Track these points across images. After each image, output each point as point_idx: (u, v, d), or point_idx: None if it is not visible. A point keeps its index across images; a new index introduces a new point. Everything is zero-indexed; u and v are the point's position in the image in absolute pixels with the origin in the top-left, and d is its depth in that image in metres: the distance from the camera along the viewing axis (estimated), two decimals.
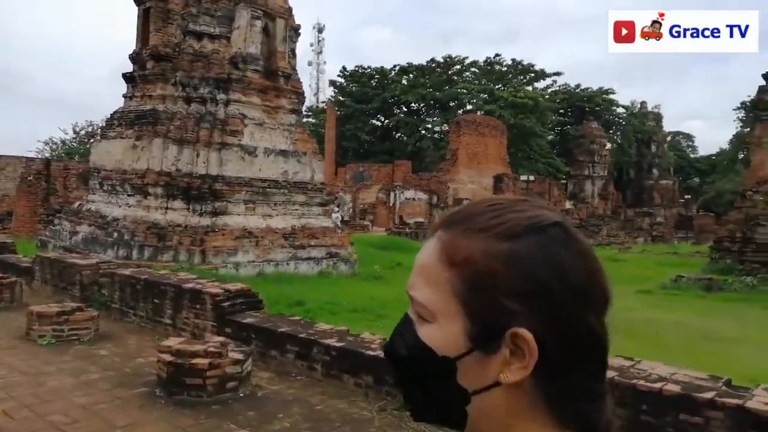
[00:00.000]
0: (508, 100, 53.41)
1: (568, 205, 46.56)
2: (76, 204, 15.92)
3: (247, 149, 14.25)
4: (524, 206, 0.71)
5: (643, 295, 15.38)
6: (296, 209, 15.24)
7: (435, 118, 60.20)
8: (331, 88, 62.96)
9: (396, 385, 0.77)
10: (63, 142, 42.01)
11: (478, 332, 0.66)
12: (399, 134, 60.95)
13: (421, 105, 61.60)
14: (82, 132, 42.50)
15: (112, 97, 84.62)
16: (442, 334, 0.68)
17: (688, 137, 76.75)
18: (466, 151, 43.27)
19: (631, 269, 20.70)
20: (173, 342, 5.78)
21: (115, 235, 13.42)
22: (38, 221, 18.70)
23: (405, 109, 62.06)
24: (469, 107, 57.54)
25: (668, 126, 69.68)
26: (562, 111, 61.43)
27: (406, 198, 37.93)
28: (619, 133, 64.04)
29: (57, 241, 14.96)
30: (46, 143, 40.80)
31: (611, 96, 61.34)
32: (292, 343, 6.29)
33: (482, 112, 50.12)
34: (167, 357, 5.48)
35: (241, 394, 5.56)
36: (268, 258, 14.09)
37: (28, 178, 19.14)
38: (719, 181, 61.32)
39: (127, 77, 15.47)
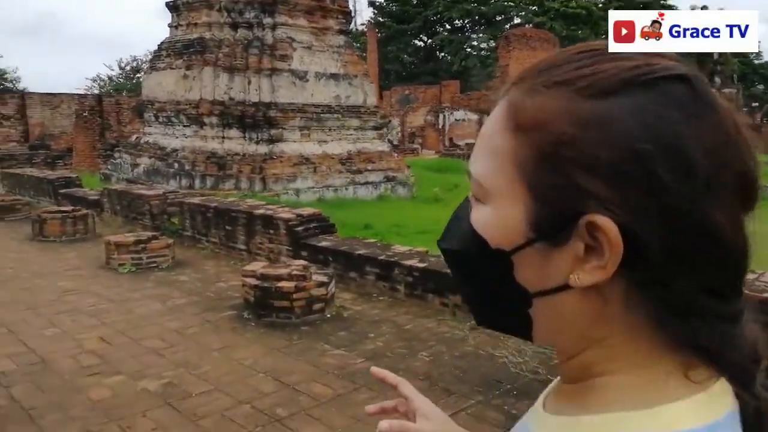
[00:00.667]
0: (559, 10, 50.69)
1: None
2: (134, 137, 16.06)
3: (297, 74, 13.89)
4: (632, 54, 0.50)
5: None
6: (351, 134, 14.96)
7: (481, 35, 57.82)
8: (370, 9, 60.85)
9: (456, 283, 0.60)
10: (110, 78, 42.35)
11: (544, 218, 0.49)
12: (443, 54, 58.99)
13: (466, 21, 59.03)
14: (128, 67, 42.69)
15: (155, 32, 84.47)
16: (498, 219, 0.52)
17: None
18: (516, 66, 41.57)
19: None
20: (256, 266, 5.76)
21: (176, 166, 13.51)
22: (97, 156, 19.06)
23: (448, 27, 59.68)
24: (517, 21, 54.93)
25: None
26: None
27: (455, 119, 37.06)
28: None
29: (119, 174, 15.21)
30: (94, 80, 41.27)
31: (669, 1, 57.42)
32: (372, 265, 6.20)
33: (531, 26, 47.76)
34: (252, 281, 5.46)
35: (328, 315, 5.54)
36: (326, 184, 14.00)
37: (84, 114, 19.37)
38: None
39: (171, 5, 15.10)
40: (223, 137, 13.58)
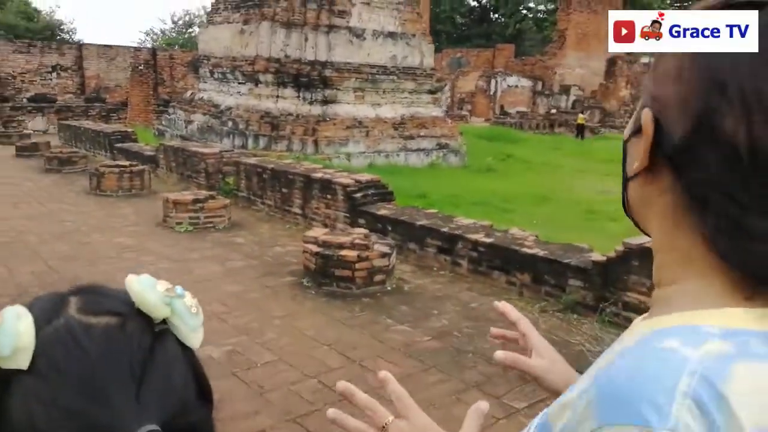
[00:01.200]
0: None
1: None
2: (188, 93, 16.06)
3: (355, 32, 13.51)
4: None
5: None
6: (405, 97, 14.58)
7: None
8: None
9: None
10: (162, 32, 42.58)
11: (636, 115, 0.59)
12: (497, 15, 57.13)
13: None
14: (180, 22, 42.76)
15: None
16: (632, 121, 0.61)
17: None
18: (575, 31, 39.94)
19: None
20: (317, 233, 5.60)
21: (230, 124, 13.45)
22: (152, 111, 19.21)
23: None
24: None
25: None
26: None
27: (508, 85, 35.98)
28: None
29: (173, 130, 15.28)
30: (147, 34, 41.58)
31: None
32: (434, 237, 5.96)
33: None
34: (314, 248, 5.30)
35: (389, 288, 5.36)
36: (378, 149, 13.74)
37: (139, 67, 19.48)
38: None
39: None
40: (278, 96, 13.41)
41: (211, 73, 14.68)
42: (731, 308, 0.52)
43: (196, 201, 7.64)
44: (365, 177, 7.38)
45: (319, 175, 7.70)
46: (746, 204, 0.50)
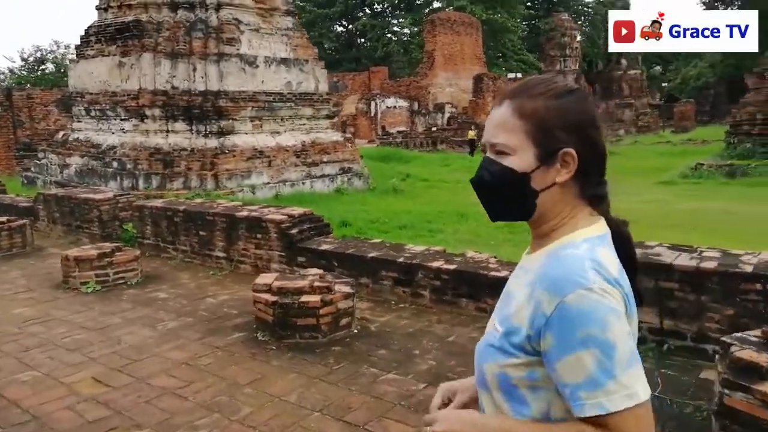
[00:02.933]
0: None
1: None
2: (60, 134, 14.47)
3: (246, 59, 12.90)
4: (558, 78, 1.18)
5: (667, 186, 15.10)
6: (304, 124, 14.15)
7: (401, 20, 57.48)
8: None
9: (483, 205, 1.19)
10: (11, 71, 38.75)
11: (543, 155, 1.10)
12: (364, 40, 58.20)
13: (386, 6, 58.52)
14: (31, 59, 39.17)
15: (47, 23, 77.73)
16: (521, 160, 1.11)
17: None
18: (442, 52, 41.55)
19: (636, 161, 20.43)
20: (268, 279, 5.01)
21: (115, 164, 12.23)
22: (14, 157, 17.15)
23: (369, 12, 58.93)
24: (436, 5, 55.03)
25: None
26: (529, 3, 59.22)
27: (387, 106, 36.56)
28: (587, 23, 62.50)
29: (46, 176, 13.66)
30: None
31: None
32: (389, 269, 5.60)
33: (452, 9, 47.91)
34: (268, 297, 4.73)
35: (355, 331, 4.90)
36: (282, 178, 13.17)
37: None
38: (683, 68, 60.95)
39: None
40: (168, 131, 12.43)
41: (87, 110, 13.33)
42: (594, 225, 1.12)
43: (102, 255, 6.69)
44: (297, 210, 6.85)
45: (244, 213, 7.06)
46: (598, 177, 1.15)
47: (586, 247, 1.05)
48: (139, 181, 11.76)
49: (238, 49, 12.79)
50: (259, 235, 6.83)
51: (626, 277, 1.06)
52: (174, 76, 12.43)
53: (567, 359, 0.96)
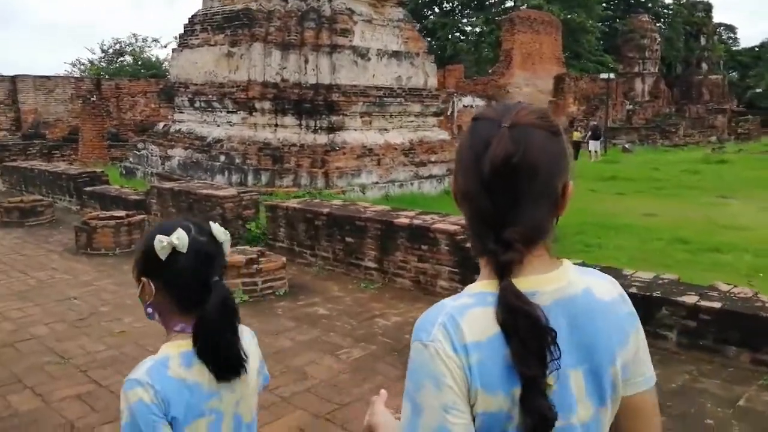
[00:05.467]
0: None
1: (629, 105, 43.88)
2: (161, 125, 14.04)
3: (359, 52, 12.09)
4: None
5: None
6: (412, 121, 13.26)
7: (472, 18, 56.15)
8: None
9: None
10: (91, 62, 39.53)
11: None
12: (434, 39, 57.15)
13: (456, 5, 57.33)
14: (110, 50, 39.87)
15: (117, 19, 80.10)
16: None
17: (730, 28, 71.41)
18: (520, 51, 40.09)
19: (754, 171, 18.67)
20: None
21: (223, 158, 11.63)
22: (108, 146, 16.95)
23: (438, 11, 57.84)
24: (509, 4, 53.49)
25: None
26: (605, 4, 56.91)
27: (464, 105, 35.41)
28: (666, 25, 59.58)
29: (146, 168, 13.24)
30: (74, 65, 38.40)
31: None
32: None
33: (526, 8, 46.35)
34: None
35: None
36: (391, 178, 12.31)
37: (91, 98, 17.17)
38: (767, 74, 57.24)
39: None
40: (277, 125, 11.75)
41: (191, 101, 12.81)
42: (484, 281, 0.96)
43: (250, 262, 5.93)
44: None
45: (404, 220, 6.17)
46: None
47: (462, 301, 0.95)
48: (249, 176, 11.11)
49: (350, 41, 12.00)
50: (424, 247, 5.92)
51: (496, 349, 0.90)
52: (284, 68, 11.74)
53: (403, 399, 0.94)
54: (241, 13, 12.01)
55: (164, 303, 1.32)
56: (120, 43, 39.94)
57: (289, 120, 11.71)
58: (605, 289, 1.03)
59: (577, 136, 25.66)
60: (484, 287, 0.94)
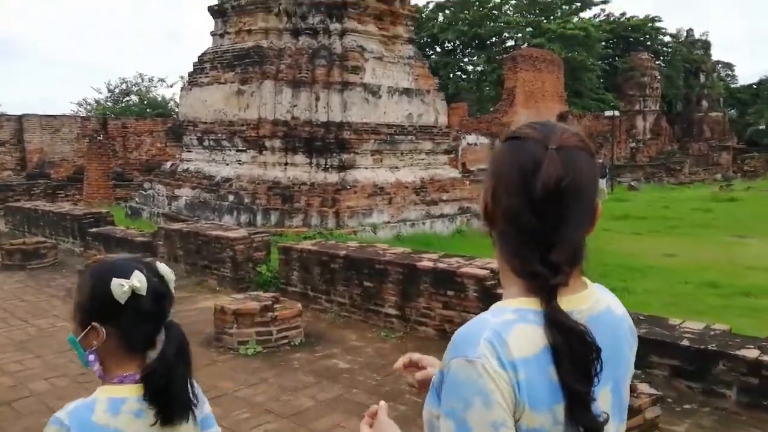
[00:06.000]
0: (556, 32, 50.05)
1: (632, 143, 43.97)
2: (168, 164, 13.84)
3: (370, 89, 11.96)
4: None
5: None
6: (422, 159, 13.05)
7: (474, 58, 56.82)
8: None
9: None
10: (97, 102, 39.82)
11: None
12: (436, 77, 57.77)
13: (457, 44, 58.09)
14: (116, 90, 40.19)
15: (129, 58, 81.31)
16: None
17: (728, 66, 72.16)
18: (523, 89, 40.35)
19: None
20: None
21: (231, 198, 11.37)
22: (113, 186, 16.74)
23: (439, 50, 58.55)
24: (509, 43, 54.21)
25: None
26: (604, 42, 57.62)
27: (468, 143, 35.40)
28: (666, 63, 60.18)
29: (152, 208, 12.97)
30: (80, 104, 38.65)
31: (658, 24, 57.32)
32: (664, 354, 4.21)
33: (527, 47, 46.88)
34: None
35: None
36: (402, 217, 12.02)
37: (98, 138, 17.04)
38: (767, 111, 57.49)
39: (216, 11, 13.11)
40: (287, 163, 11.53)
41: (200, 140, 12.63)
42: (521, 298, 0.96)
43: (264, 309, 5.58)
44: (494, 264, 5.55)
45: (428, 264, 5.84)
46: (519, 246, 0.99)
47: (504, 317, 0.95)
48: (258, 216, 10.83)
49: (361, 78, 11.88)
50: (450, 293, 5.58)
51: (542, 366, 0.91)
52: (295, 106, 11.59)
53: (441, 416, 0.94)
54: (252, 51, 11.93)
55: (110, 349, 1.26)
56: (126, 82, 40.27)
57: (300, 158, 11.50)
58: (617, 305, 1.09)
59: None
60: (522, 304, 0.96)
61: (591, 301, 1.01)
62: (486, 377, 0.88)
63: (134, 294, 1.24)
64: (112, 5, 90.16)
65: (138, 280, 1.24)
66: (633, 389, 3.48)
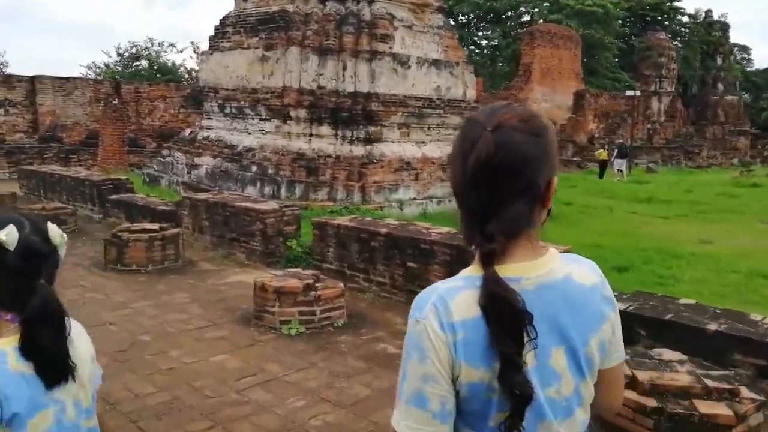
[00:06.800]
0: (574, 8, 48.95)
1: (648, 124, 43.28)
2: (188, 131, 13.47)
3: (399, 59, 11.52)
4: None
5: None
6: (449, 134, 12.65)
7: (487, 32, 55.77)
8: None
9: None
10: (107, 65, 39.22)
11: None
12: None
13: (471, 17, 56.97)
14: (126, 54, 39.55)
15: (138, 22, 79.83)
16: None
17: (744, 49, 70.73)
18: (539, 65, 39.55)
19: None
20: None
21: (254, 168, 11.03)
22: (130, 152, 16.40)
23: (453, 23, 57.52)
24: (525, 18, 53.14)
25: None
26: (621, 21, 56.45)
27: None
28: (683, 44, 59.03)
29: (171, 176, 12.65)
30: (89, 67, 38.05)
31: (676, 4, 56.00)
32: (748, 352, 3.91)
33: (543, 22, 45.89)
34: (641, 399, 3.13)
35: None
36: (428, 194, 11.70)
37: (113, 102, 16.63)
38: None
39: None
40: (311, 134, 11.16)
41: (221, 107, 12.24)
42: (474, 266, 1.05)
43: (307, 288, 5.29)
44: (555, 248, 5.22)
45: None
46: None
47: (453, 283, 1.06)
48: (282, 188, 10.50)
49: (391, 47, 11.43)
50: None
51: (479, 328, 1.01)
52: (321, 75, 11.17)
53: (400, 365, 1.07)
54: (277, 15, 11.46)
55: None
56: (136, 47, 39.61)
57: (325, 129, 11.12)
58: (586, 274, 1.13)
59: (603, 155, 24.92)
60: (472, 272, 1.06)
61: (543, 270, 1.06)
62: (424, 336, 1.01)
63: (1, 247, 1.22)
64: None
65: (6, 234, 1.22)
66: (735, 393, 3.20)
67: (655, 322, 4.18)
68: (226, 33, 12.47)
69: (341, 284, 5.65)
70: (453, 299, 1.01)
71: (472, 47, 55.82)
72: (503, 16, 55.24)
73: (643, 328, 4.28)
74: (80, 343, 1.38)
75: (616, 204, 15.12)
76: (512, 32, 52.11)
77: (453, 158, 1.09)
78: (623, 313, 4.33)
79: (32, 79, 19.09)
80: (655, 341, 4.21)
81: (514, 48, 46.99)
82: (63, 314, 1.28)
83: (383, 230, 6.30)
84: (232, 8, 12.94)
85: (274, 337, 5.07)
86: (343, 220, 6.96)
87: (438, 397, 1.00)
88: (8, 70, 34.67)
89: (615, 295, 3.75)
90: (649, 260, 8.10)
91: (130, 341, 4.89)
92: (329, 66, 11.15)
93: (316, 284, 5.46)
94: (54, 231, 1.32)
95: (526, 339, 0.98)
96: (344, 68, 11.14)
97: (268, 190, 10.59)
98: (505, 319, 0.98)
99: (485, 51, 55.70)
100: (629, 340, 4.19)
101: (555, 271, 1.07)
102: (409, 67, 11.70)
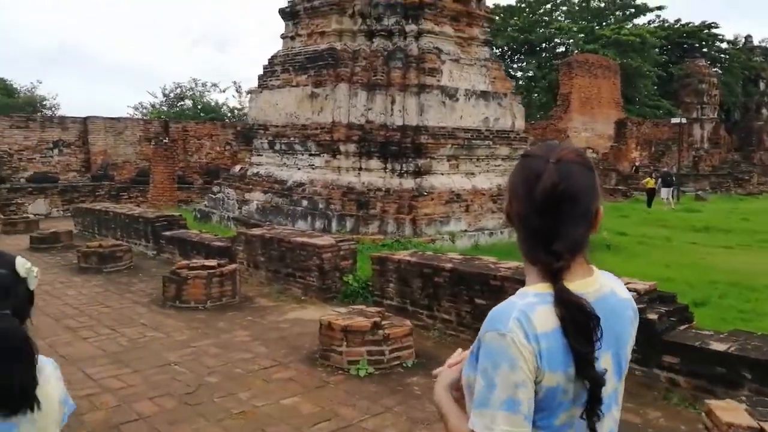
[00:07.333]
0: (611, 38, 48.59)
1: (694, 152, 42.26)
2: (238, 168, 13.61)
3: (447, 92, 11.46)
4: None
5: None
6: (499, 165, 12.47)
7: (522, 63, 55.78)
8: None
9: None
10: (153, 106, 40.46)
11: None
12: None
13: (506, 50, 57.19)
14: (171, 94, 40.78)
15: (183, 63, 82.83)
16: None
17: None
18: (578, 95, 39.27)
19: None
20: (719, 407, 3.12)
21: (305, 203, 11.01)
22: (178, 189, 16.68)
23: None
24: (560, 49, 53.01)
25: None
26: (658, 49, 55.84)
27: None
28: (723, 70, 57.95)
29: (222, 212, 12.75)
30: (136, 108, 39.31)
31: (714, 30, 55.13)
32: None
33: (578, 53, 45.67)
34: None
35: None
36: (480, 226, 11.47)
37: (164, 140, 17.03)
38: None
39: (287, 12, 12.83)
40: (361, 168, 11.12)
41: (271, 144, 12.35)
42: (540, 284, 1.19)
43: (375, 326, 5.12)
44: (641, 284, 4.93)
45: None
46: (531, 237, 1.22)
47: (530, 300, 1.17)
48: (333, 222, 10.44)
49: (438, 81, 11.39)
50: None
51: (558, 338, 1.14)
52: (370, 109, 11.18)
53: (477, 377, 1.16)
54: (325, 53, 11.58)
55: None
56: (180, 87, 40.82)
57: (375, 163, 11.07)
58: (623, 290, 1.30)
59: (650, 183, 24.24)
60: (541, 289, 1.19)
61: (597, 285, 1.22)
62: (513, 347, 1.12)
63: None
64: (158, 7, 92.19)
65: None
66: None
67: (763, 364, 3.85)
68: (274, 71, 12.66)
69: (408, 322, 5.46)
70: (533, 313, 1.14)
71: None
72: (538, 48, 55.27)
73: (748, 371, 3.95)
74: (49, 383, 1.38)
75: (673, 234, 14.59)
76: (547, 63, 52.06)
77: (514, 187, 1.23)
78: (725, 355, 4.02)
79: (85, 120, 19.74)
80: (762, 385, 3.88)
81: (550, 79, 46.84)
82: (25, 346, 1.30)
83: (448, 265, 6.11)
84: (279, 48, 13.17)
85: (343, 379, 4.89)
86: (404, 255, 6.80)
87: (528, 400, 1.12)
88: (59, 112, 36.03)
89: (711, 334, 3.48)
90: (725, 294, 7.67)
91: (198, 383, 4.77)
92: (378, 100, 11.16)
93: (383, 322, 5.29)
94: (21, 264, 1.38)
95: (594, 339, 1.14)
96: (393, 102, 11.13)
97: (318, 224, 10.54)
98: (581, 323, 1.13)
99: (521, 82, 55.60)
100: (733, 384, 3.87)
101: (604, 287, 1.24)
102: (457, 99, 11.63)
